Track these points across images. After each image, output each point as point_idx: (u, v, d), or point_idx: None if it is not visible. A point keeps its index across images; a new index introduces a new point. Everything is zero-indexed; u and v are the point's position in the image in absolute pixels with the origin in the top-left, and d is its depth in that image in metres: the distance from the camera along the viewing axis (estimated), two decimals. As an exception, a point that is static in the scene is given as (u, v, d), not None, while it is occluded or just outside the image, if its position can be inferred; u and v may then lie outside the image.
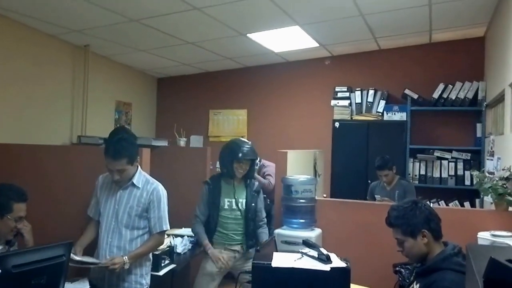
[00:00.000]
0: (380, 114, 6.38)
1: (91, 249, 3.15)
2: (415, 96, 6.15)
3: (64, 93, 5.69)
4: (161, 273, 3.51)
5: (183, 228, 4.34)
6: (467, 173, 5.82)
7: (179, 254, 3.94)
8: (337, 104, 6.61)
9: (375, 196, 5.07)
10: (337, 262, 2.80)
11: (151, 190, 3.12)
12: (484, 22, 5.49)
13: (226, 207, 3.64)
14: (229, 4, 4.51)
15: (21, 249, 2.70)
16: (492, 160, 4.53)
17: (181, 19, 4.92)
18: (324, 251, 2.80)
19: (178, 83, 7.86)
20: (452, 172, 5.97)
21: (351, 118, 6.55)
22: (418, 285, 2.40)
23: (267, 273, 2.41)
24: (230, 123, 7.60)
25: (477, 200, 5.65)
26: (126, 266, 2.94)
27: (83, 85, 5.93)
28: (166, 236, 3.73)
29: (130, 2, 4.39)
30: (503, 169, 3.60)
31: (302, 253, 2.86)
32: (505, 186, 3.42)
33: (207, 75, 7.71)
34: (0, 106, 4.71)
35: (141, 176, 3.15)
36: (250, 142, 3.75)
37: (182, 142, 5.33)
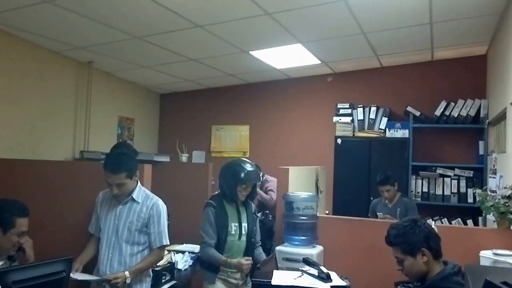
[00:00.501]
0: (382, 131, 6.39)
1: (92, 265, 3.15)
2: (417, 113, 6.16)
3: (67, 108, 5.72)
4: (162, 289, 3.49)
5: (184, 244, 4.34)
6: (470, 190, 5.79)
7: (179, 270, 3.93)
8: (339, 121, 6.62)
9: (377, 213, 5.05)
10: (337, 280, 2.80)
11: (151, 205, 3.13)
12: (486, 40, 5.51)
13: (233, 232, 3.41)
14: (232, 22, 4.55)
15: (21, 265, 2.70)
16: (494, 178, 4.51)
17: (184, 37, 4.95)
18: (324, 270, 2.80)
19: (181, 99, 7.90)
20: (454, 190, 5.95)
21: (353, 134, 6.55)
22: None
23: (267, 291, 2.41)
24: (232, 139, 7.61)
25: (480, 218, 5.62)
26: (128, 281, 2.94)
27: (86, 101, 5.96)
28: (166, 252, 3.74)
29: (133, 19, 4.42)
30: (505, 188, 3.58)
31: (302, 271, 2.86)
32: (507, 204, 3.41)
33: (209, 91, 7.74)
34: (3, 121, 4.74)
35: (141, 191, 3.16)
36: (253, 163, 3.58)
37: (184, 157, 5.34)
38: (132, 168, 3.05)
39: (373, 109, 6.47)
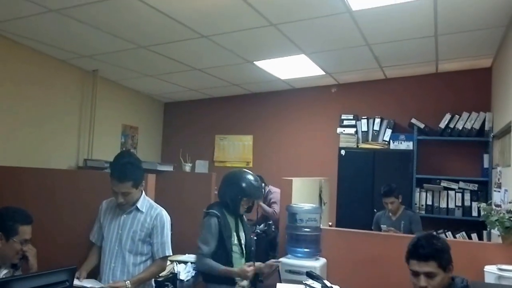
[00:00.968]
0: (386, 142, 6.37)
1: (93, 274, 3.13)
2: (422, 126, 6.14)
3: (71, 116, 5.74)
4: (164, 300, 3.46)
5: (186, 255, 4.31)
6: (474, 204, 5.75)
7: (182, 281, 3.90)
8: (343, 132, 6.61)
9: (381, 226, 5.02)
10: (341, 294, 2.78)
11: (155, 215, 3.13)
12: (491, 53, 5.51)
13: (236, 242, 3.33)
14: (237, 33, 4.57)
15: (24, 275, 2.69)
16: (499, 192, 4.48)
17: (189, 46, 4.97)
18: (328, 283, 2.79)
19: (185, 108, 7.91)
20: (459, 203, 5.90)
21: (357, 146, 6.53)
22: None
23: (270, 305, 2.38)
24: (235, 149, 7.61)
25: (484, 232, 5.57)
26: None
27: (90, 109, 5.98)
28: (169, 262, 3.73)
29: (139, 29, 4.45)
30: (510, 202, 3.58)
31: (306, 284, 2.84)
32: (511, 219, 3.39)
33: (213, 101, 7.75)
34: (8, 128, 4.75)
35: (145, 201, 3.16)
36: (257, 177, 3.50)
37: (187, 167, 5.32)
38: (138, 177, 3.06)
39: (377, 120, 6.45)
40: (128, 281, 2.93)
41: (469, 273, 2.46)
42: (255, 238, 3.77)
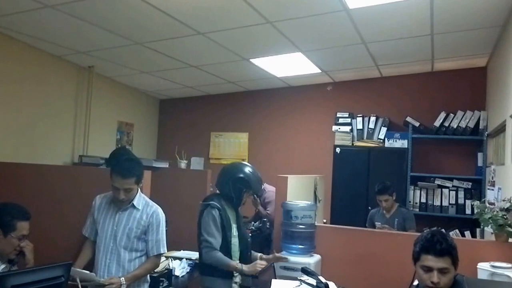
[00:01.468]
0: (381, 141, 6.39)
1: (88, 269, 3.13)
2: (417, 124, 6.17)
3: (67, 112, 5.72)
4: (159, 296, 3.47)
5: (181, 251, 4.33)
6: (468, 202, 5.80)
7: (177, 277, 3.91)
8: (339, 130, 6.63)
9: (375, 223, 5.04)
10: (335, 290, 2.79)
11: (151, 213, 3.14)
12: (486, 52, 5.53)
13: (235, 233, 3.32)
14: (233, 30, 4.57)
15: (20, 270, 2.69)
16: (493, 190, 4.51)
17: (185, 43, 4.96)
18: (323, 279, 2.80)
19: (180, 105, 7.90)
20: (453, 201, 5.95)
21: (352, 144, 6.56)
22: None
23: (265, 301, 2.40)
24: (231, 146, 7.61)
25: (477, 230, 5.61)
26: (123, 287, 2.95)
27: (86, 105, 5.97)
28: (164, 258, 3.75)
29: (135, 25, 4.43)
30: (503, 200, 3.59)
31: (300, 280, 2.85)
32: (505, 217, 3.41)
33: (209, 98, 7.75)
34: (3, 124, 4.74)
35: (141, 198, 3.17)
36: (259, 174, 3.49)
37: (183, 164, 5.33)
38: (141, 174, 3.10)
39: (373, 118, 6.48)
40: (123, 278, 2.96)
41: (462, 270, 2.46)
42: (249, 235, 3.76)
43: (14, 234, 2.78)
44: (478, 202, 3.83)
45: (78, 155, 5.80)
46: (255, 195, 4.11)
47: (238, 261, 3.24)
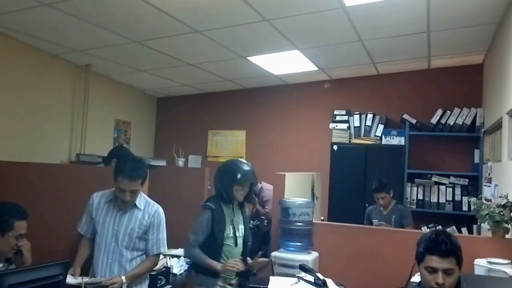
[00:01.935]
0: (378, 138, 6.40)
1: (86, 268, 3.15)
2: (414, 121, 6.19)
3: (64, 111, 5.70)
4: (157, 294, 3.48)
5: (179, 249, 4.31)
6: (465, 198, 5.78)
7: (175, 275, 3.92)
8: (336, 127, 6.63)
9: (372, 220, 5.05)
10: (333, 287, 2.80)
11: (153, 212, 3.15)
12: (483, 49, 5.54)
13: (231, 235, 3.32)
14: (230, 28, 4.56)
15: (18, 268, 2.69)
16: (489, 186, 4.51)
17: (182, 41, 4.95)
18: (321, 276, 2.81)
19: (178, 103, 7.89)
20: (449, 198, 5.96)
21: (350, 141, 6.56)
22: None
23: (264, 298, 2.41)
24: (228, 144, 7.61)
25: (474, 226, 5.63)
26: (124, 286, 2.95)
27: (83, 104, 5.95)
28: (162, 256, 3.75)
29: (132, 24, 4.43)
30: (500, 196, 3.59)
31: (298, 277, 2.86)
32: (502, 213, 3.42)
33: (206, 96, 7.74)
34: (-1, 123, 4.74)
35: (141, 198, 3.16)
36: (249, 163, 3.49)
37: (180, 162, 5.32)
38: (146, 175, 3.09)
39: (370, 116, 6.48)
40: (124, 277, 2.96)
41: None
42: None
43: (11, 233, 2.78)
44: (475, 198, 3.84)
45: (76, 154, 5.79)
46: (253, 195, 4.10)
47: (225, 263, 3.20)
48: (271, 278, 2.97)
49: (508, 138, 4.05)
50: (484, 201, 3.70)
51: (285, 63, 5.93)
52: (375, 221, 4.99)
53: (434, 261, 2.31)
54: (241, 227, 3.42)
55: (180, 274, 3.98)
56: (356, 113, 6.59)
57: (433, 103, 6.23)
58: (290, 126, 7.21)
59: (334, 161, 6.51)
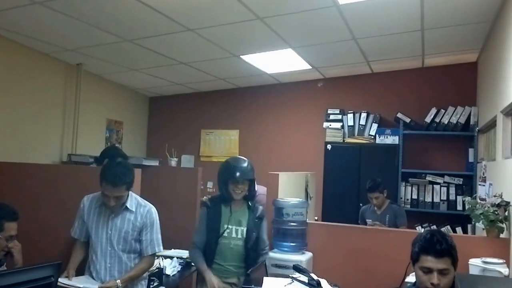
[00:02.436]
0: (372, 137, 6.38)
1: (81, 271, 3.12)
2: (408, 120, 6.17)
3: (55, 111, 5.65)
4: (150, 295, 3.44)
5: (172, 250, 4.29)
6: (459, 198, 5.79)
7: (168, 276, 3.88)
8: (329, 127, 6.60)
9: (367, 220, 5.04)
10: (327, 287, 2.78)
11: (145, 213, 3.11)
12: (477, 47, 5.54)
13: (225, 234, 3.29)
14: (223, 26, 4.53)
15: (9, 270, 2.65)
16: (484, 185, 4.52)
17: (174, 40, 4.92)
18: (315, 277, 2.79)
19: (170, 103, 7.85)
20: (444, 197, 5.95)
21: (343, 140, 6.54)
22: None
23: (258, 299, 2.38)
24: (222, 143, 7.58)
25: (469, 226, 5.63)
26: None
27: (74, 103, 5.90)
28: (155, 257, 3.71)
29: (124, 22, 4.39)
30: (494, 196, 3.60)
31: (292, 278, 2.84)
32: (496, 212, 3.43)
33: (199, 95, 7.70)
34: (-11, 123, 4.68)
35: (133, 199, 3.12)
36: (247, 160, 3.44)
37: (173, 162, 5.28)
38: (132, 180, 3.02)
39: (364, 115, 6.46)
40: (119, 281, 2.93)
41: None
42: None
43: (1, 234, 2.75)
44: (470, 198, 3.87)
45: (67, 154, 5.74)
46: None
47: (214, 279, 3.22)
48: (265, 278, 2.97)
49: (502, 136, 4.04)
50: (479, 201, 3.71)
51: (279, 61, 5.91)
52: (369, 221, 4.97)
53: (429, 261, 2.30)
54: (242, 228, 3.34)
55: (173, 275, 3.93)
56: (350, 112, 6.57)
57: (427, 101, 6.22)
58: (284, 125, 7.18)
59: (328, 161, 6.50)
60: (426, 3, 4.03)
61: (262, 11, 4.17)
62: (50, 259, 2.49)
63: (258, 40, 5.06)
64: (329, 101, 6.81)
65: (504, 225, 3.45)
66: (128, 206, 3.06)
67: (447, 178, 5.99)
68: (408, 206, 6.02)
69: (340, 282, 3.08)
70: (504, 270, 3.06)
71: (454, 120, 5.96)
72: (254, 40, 5.08)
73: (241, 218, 3.37)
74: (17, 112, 5.04)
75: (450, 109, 6.01)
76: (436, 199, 5.98)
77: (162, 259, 3.97)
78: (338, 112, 6.64)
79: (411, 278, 2.95)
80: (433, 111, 6.08)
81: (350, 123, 6.54)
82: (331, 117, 6.66)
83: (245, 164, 3.38)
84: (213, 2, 3.95)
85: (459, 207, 5.80)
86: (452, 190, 5.94)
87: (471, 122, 5.84)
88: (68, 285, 2.84)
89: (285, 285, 2.77)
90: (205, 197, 3.64)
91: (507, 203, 3.41)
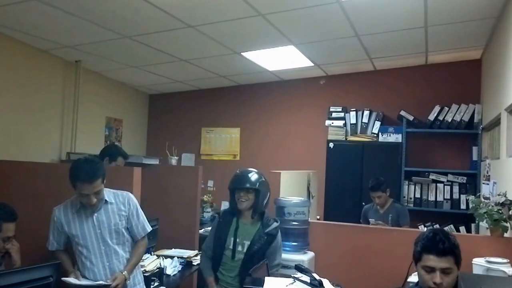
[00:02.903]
0: (375, 135, 6.34)
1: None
2: (411, 118, 6.13)
3: (54, 109, 5.62)
4: (151, 295, 3.44)
5: (172, 249, 4.27)
6: (463, 196, 5.76)
7: (168, 275, 3.86)
8: (332, 124, 6.56)
9: (369, 219, 5.00)
10: (329, 288, 2.74)
11: (126, 201, 3.10)
12: (481, 44, 5.50)
13: (231, 246, 3.32)
14: (224, 23, 4.50)
15: (7, 270, 2.64)
16: (488, 184, 4.49)
17: (175, 37, 4.89)
18: (317, 277, 2.75)
19: (170, 100, 7.81)
20: (447, 196, 5.92)
21: (346, 138, 6.49)
22: None
23: (259, 299, 2.35)
24: (222, 142, 7.54)
25: (472, 225, 5.60)
26: (128, 281, 2.98)
27: (73, 101, 5.87)
28: (155, 257, 3.72)
29: (123, 18, 4.35)
30: (498, 194, 3.61)
31: (294, 278, 2.80)
32: (500, 211, 3.43)
33: (200, 93, 7.67)
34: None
35: (106, 192, 3.06)
36: (255, 171, 3.45)
37: (173, 160, 5.25)
38: (104, 172, 2.96)
39: (366, 113, 6.42)
40: (125, 272, 2.95)
41: None
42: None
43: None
44: (473, 196, 3.87)
45: (66, 152, 5.71)
46: None
47: (231, 275, 3.28)
48: (266, 278, 2.92)
49: (506, 135, 4.02)
50: (483, 199, 3.71)
51: (280, 58, 5.87)
52: (372, 220, 4.95)
53: (432, 260, 2.28)
54: (246, 242, 3.33)
55: (173, 275, 3.91)
56: (352, 110, 6.52)
57: (430, 99, 6.17)
58: (285, 123, 7.14)
59: (330, 159, 6.45)
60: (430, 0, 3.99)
61: (263, 7, 4.14)
62: (48, 258, 2.50)
63: (259, 37, 5.03)
64: (331, 99, 6.76)
65: (508, 224, 3.45)
66: (107, 199, 3.02)
67: (450, 177, 5.95)
68: (411, 205, 5.99)
69: (342, 282, 3.04)
70: (508, 270, 3.04)
71: (457, 118, 5.91)
72: (255, 37, 5.05)
73: (248, 232, 3.36)
74: (15, 110, 5.01)
75: (454, 106, 5.96)
76: (440, 198, 5.94)
77: (163, 259, 3.95)
78: (340, 109, 6.59)
79: (413, 278, 2.95)
80: (437, 108, 6.03)
81: (353, 121, 6.49)
82: (333, 115, 6.61)
83: (250, 174, 3.41)
84: (214, -2, 3.92)
85: (463, 206, 5.76)
86: (456, 189, 5.90)
87: (475, 120, 5.79)
88: (84, 284, 2.84)
89: (286, 285, 2.73)
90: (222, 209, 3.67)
91: (511, 202, 3.37)
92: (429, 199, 5.98)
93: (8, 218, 2.77)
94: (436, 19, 4.51)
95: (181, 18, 4.33)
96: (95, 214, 2.99)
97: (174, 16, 4.27)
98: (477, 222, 4.72)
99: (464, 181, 5.88)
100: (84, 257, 2.99)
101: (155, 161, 5.00)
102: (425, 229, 4.91)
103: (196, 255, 4.17)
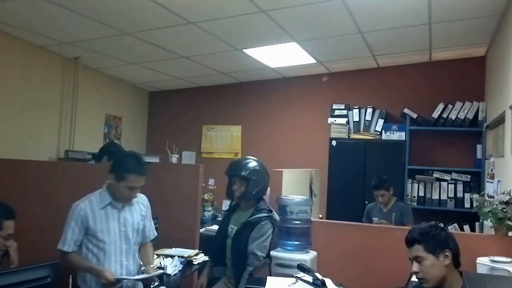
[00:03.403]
0: (378, 133, 6.30)
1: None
2: (414, 116, 6.09)
3: (52, 106, 5.62)
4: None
5: (173, 249, 4.22)
6: (467, 195, 5.74)
7: (169, 275, 3.81)
8: (334, 122, 6.51)
9: (373, 218, 4.97)
10: (332, 287, 2.72)
11: (143, 201, 3.16)
12: (485, 41, 5.48)
13: (231, 235, 3.43)
14: (226, 19, 4.49)
15: (4, 270, 2.62)
16: (492, 182, 4.47)
17: (175, 33, 4.88)
18: (319, 276, 2.74)
19: (171, 98, 7.79)
20: (451, 194, 5.88)
21: (349, 136, 6.45)
22: None
23: (261, 298, 2.28)
24: (223, 139, 7.51)
25: (476, 224, 5.56)
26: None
27: (72, 98, 5.87)
28: (156, 256, 3.73)
29: (123, 14, 4.34)
30: (503, 193, 3.61)
31: (296, 277, 2.78)
32: (505, 210, 3.46)
33: (200, 90, 7.65)
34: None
35: None
36: (248, 158, 3.56)
37: (174, 158, 5.23)
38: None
39: (369, 110, 6.37)
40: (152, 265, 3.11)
41: (461, 265, 2.44)
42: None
43: (0, 233, 2.74)
44: (477, 195, 3.90)
45: (64, 150, 5.71)
46: None
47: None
48: (268, 278, 2.92)
49: (511, 132, 3.99)
50: (487, 198, 3.73)
51: (282, 55, 5.85)
52: (375, 219, 4.93)
53: (408, 252, 2.49)
54: (235, 227, 3.43)
55: (174, 275, 3.86)
56: (355, 107, 6.48)
57: (434, 97, 6.13)
58: (287, 121, 7.11)
59: (333, 157, 6.41)
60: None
61: (265, 3, 4.12)
62: (46, 258, 2.50)
63: (261, 34, 5.01)
64: (334, 96, 6.73)
65: (512, 223, 3.40)
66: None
67: (454, 175, 5.92)
68: (415, 203, 5.96)
69: (345, 282, 3.03)
70: (513, 269, 3.02)
71: (461, 115, 5.87)
72: (257, 34, 5.03)
73: (241, 218, 3.43)
74: (13, 108, 5.02)
75: (458, 104, 5.92)
76: (443, 197, 5.91)
77: (163, 258, 3.91)
78: (343, 107, 6.55)
79: (416, 277, 2.94)
80: (441, 106, 5.99)
81: (356, 118, 6.44)
82: (336, 112, 6.56)
83: (245, 161, 3.50)
84: (215, -6, 3.91)
85: (467, 205, 5.73)
86: (460, 187, 5.86)
87: (479, 118, 5.75)
88: (136, 278, 2.96)
89: (289, 285, 2.73)
90: None
91: (516, 200, 3.36)
92: (433, 197, 5.94)
93: (8, 216, 2.77)
94: (440, 16, 4.49)
95: (182, 14, 4.32)
96: (123, 212, 3.01)
97: (174, 12, 4.26)
98: (481, 220, 4.70)
99: (468, 180, 5.84)
100: (103, 254, 2.92)
101: (155, 159, 4.99)
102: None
103: (196, 255, 4.13)
